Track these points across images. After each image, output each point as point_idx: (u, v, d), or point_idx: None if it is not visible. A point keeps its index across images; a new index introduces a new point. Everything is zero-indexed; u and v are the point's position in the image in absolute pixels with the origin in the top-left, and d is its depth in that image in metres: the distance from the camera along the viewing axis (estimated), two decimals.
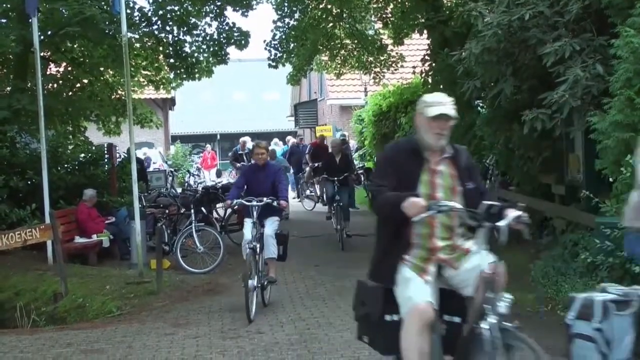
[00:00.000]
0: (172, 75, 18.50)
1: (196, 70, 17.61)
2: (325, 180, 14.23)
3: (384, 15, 18.33)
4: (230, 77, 39.47)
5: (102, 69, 16.77)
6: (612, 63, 7.45)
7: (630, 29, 7.08)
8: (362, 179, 19.64)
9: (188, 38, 17.14)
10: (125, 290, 10.09)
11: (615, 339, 4.81)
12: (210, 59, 17.64)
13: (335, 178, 13.70)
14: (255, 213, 8.52)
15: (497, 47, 8.99)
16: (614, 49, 7.26)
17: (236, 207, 9.50)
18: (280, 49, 19.24)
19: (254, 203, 8.54)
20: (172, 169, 25.99)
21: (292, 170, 22.15)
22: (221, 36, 17.28)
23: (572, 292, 7.69)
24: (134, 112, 14.56)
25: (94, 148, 15.72)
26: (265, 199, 8.54)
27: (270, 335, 7.48)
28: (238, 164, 20.05)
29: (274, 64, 19.33)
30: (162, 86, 19.12)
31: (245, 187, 8.98)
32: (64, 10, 13.51)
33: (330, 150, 15.37)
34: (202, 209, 12.89)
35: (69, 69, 16.74)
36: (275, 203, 8.62)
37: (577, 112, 8.21)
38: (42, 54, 13.55)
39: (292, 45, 19.30)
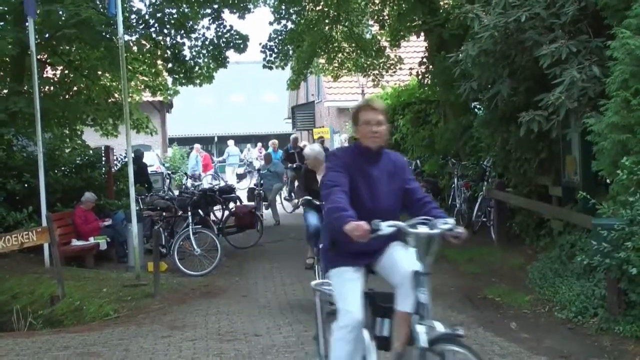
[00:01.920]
0: (170, 80, 18.48)
1: (195, 74, 17.62)
2: (306, 206, 8.95)
3: (380, 18, 18.37)
4: (227, 79, 39.46)
5: (99, 72, 16.77)
6: (608, 65, 7.45)
7: (626, 31, 7.09)
8: None
9: (186, 41, 17.17)
10: (122, 293, 10.07)
11: None
12: (210, 63, 17.65)
13: (319, 203, 8.34)
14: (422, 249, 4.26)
15: (494, 49, 9.00)
16: (610, 50, 7.27)
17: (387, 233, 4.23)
18: (276, 50, 19.26)
19: (424, 231, 4.27)
20: (169, 172, 25.96)
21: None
22: (220, 40, 17.30)
23: (570, 293, 7.73)
24: (130, 117, 14.55)
25: (91, 151, 15.72)
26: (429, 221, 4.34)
27: (267, 337, 7.46)
28: (292, 165, 18.82)
29: (268, 64, 19.35)
30: (159, 92, 19.11)
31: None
32: (60, 13, 13.51)
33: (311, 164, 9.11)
34: (199, 211, 12.88)
35: (66, 72, 16.74)
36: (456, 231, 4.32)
37: (573, 114, 8.22)
38: (38, 57, 13.54)
39: (288, 47, 19.31)
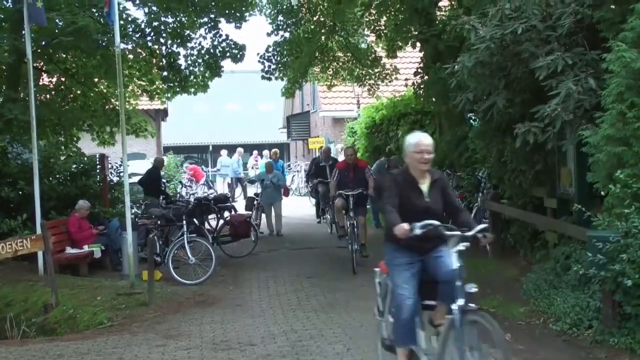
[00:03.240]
0: (165, 87, 18.46)
1: (190, 83, 17.60)
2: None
3: (377, 28, 18.44)
4: (223, 88, 39.60)
5: (95, 79, 16.74)
6: (604, 77, 7.48)
7: (622, 44, 7.13)
8: None
9: (182, 50, 17.16)
10: (117, 302, 10.04)
11: None
12: (206, 72, 17.63)
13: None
14: None
15: (490, 61, 9.02)
16: (606, 63, 7.30)
17: None
18: (274, 61, 19.30)
19: None
20: (164, 180, 25.89)
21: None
22: (217, 49, 17.31)
23: (565, 305, 7.73)
24: (128, 122, 14.52)
25: (85, 159, 15.67)
26: None
27: (262, 347, 7.45)
28: (316, 180, 16.53)
29: (267, 75, 19.38)
30: (157, 96, 19.04)
31: None
32: (57, 21, 13.51)
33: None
34: (194, 220, 12.85)
35: (62, 79, 16.72)
36: None
37: (569, 126, 8.24)
38: (34, 65, 13.53)
39: (286, 58, 19.35)
